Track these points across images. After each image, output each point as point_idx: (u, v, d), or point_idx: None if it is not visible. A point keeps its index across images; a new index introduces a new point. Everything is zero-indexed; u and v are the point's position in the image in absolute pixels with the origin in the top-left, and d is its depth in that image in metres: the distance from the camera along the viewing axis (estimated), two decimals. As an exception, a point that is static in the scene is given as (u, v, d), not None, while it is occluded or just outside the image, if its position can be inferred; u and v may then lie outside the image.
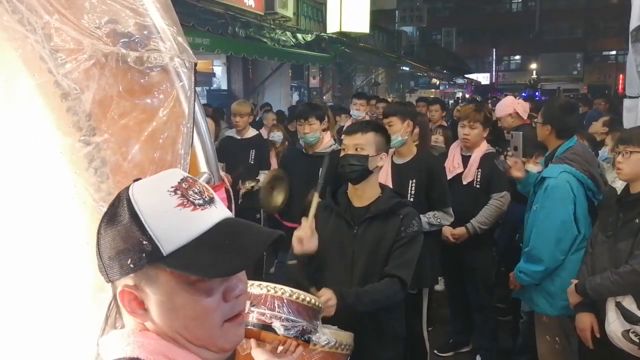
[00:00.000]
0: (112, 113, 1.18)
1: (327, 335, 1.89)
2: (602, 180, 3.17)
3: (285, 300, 1.75)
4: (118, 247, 0.83)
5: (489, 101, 14.49)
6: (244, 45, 9.57)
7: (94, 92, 1.17)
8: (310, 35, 12.54)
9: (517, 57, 44.42)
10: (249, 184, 4.83)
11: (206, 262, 0.82)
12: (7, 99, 1.18)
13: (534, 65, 40.68)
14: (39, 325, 1.19)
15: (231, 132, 5.45)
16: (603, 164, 3.96)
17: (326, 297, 2.11)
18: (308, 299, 1.84)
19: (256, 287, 1.70)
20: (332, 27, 14.18)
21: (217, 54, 11.29)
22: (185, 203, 0.84)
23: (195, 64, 1.26)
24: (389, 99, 10.31)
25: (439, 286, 4.94)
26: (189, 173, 1.20)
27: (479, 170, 3.80)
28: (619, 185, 2.90)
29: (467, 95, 30.35)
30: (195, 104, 1.24)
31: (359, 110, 6.23)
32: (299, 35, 11.96)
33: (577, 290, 2.72)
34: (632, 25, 3.55)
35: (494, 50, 40.45)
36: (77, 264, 1.18)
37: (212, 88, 14.25)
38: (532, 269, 3.03)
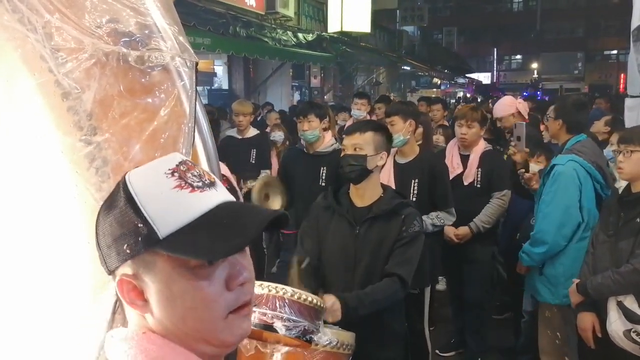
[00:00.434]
0: (113, 112, 1.18)
1: (328, 335, 1.89)
2: (611, 177, 3.22)
3: (287, 300, 1.75)
4: (114, 233, 0.80)
5: (490, 100, 14.48)
6: (245, 45, 9.57)
7: (95, 91, 1.17)
8: (311, 35, 12.53)
9: (518, 56, 44.45)
10: (250, 184, 4.83)
11: (204, 243, 0.78)
12: (7, 98, 1.18)
13: (535, 65, 40.68)
14: (39, 325, 1.18)
15: (232, 132, 5.46)
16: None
17: (330, 302, 2.11)
18: (310, 298, 1.84)
19: (258, 287, 1.70)
20: (333, 26, 14.17)
21: (218, 54, 11.30)
22: (182, 185, 0.80)
23: (197, 64, 1.26)
24: (391, 97, 10.28)
25: (441, 286, 4.95)
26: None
27: (479, 169, 3.82)
28: (622, 185, 2.90)
29: (468, 95, 30.35)
30: (197, 103, 1.24)
31: (360, 110, 6.22)
32: (300, 35, 11.96)
33: (579, 289, 2.72)
34: (634, 24, 3.55)
35: (495, 49, 40.48)
36: (77, 264, 1.18)
37: (213, 88, 14.27)
38: (534, 250, 3.12)
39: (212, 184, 0.84)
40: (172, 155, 0.86)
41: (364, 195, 2.52)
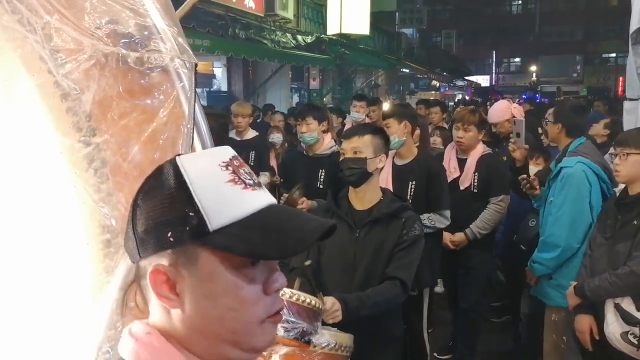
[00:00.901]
0: (112, 114, 1.18)
1: (326, 337, 1.89)
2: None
3: (285, 302, 1.76)
4: (157, 218, 0.75)
5: (487, 103, 14.48)
6: (244, 47, 9.59)
7: (94, 92, 1.17)
8: (310, 37, 12.56)
9: (517, 59, 44.48)
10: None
11: (257, 241, 0.74)
12: (6, 99, 1.18)
13: (534, 68, 40.71)
14: (38, 327, 1.19)
15: (231, 134, 5.45)
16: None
17: (331, 303, 2.11)
18: (308, 300, 1.84)
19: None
20: (332, 28, 14.18)
21: (217, 56, 11.28)
22: (236, 180, 0.77)
23: (196, 65, 1.27)
24: (385, 101, 10.28)
25: (439, 288, 4.94)
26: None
27: (476, 174, 3.74)
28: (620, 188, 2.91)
29: (467, 98, 30.36)
30: (196, 105, 1.25)
31: (358, 112, 6.22)
32: (299, 37, 11.99)
33: (576, 292, 2.73)
34: (632, 27, 3.55)
35: (494, 52, 40.49)
36: (76, 265, 1.18)
37: (212, 89, 14.24)
38: (546, 256, 3.07)
39: (260, 185, 0.81)
40: (224, 148, 0.83)
41: (363, 198, 2.53)
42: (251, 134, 5.28)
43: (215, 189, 0.75)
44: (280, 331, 1.71)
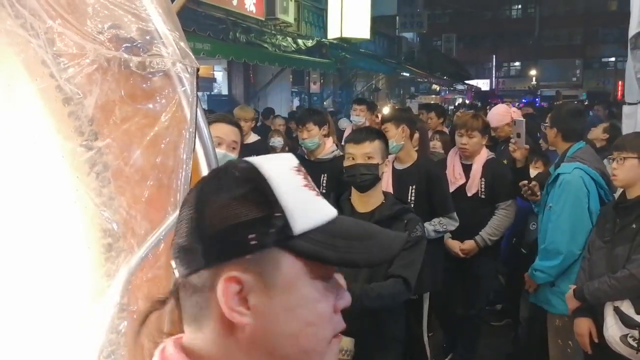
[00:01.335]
0: (114, 118, 1.19)
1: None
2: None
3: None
4: (237, 217, 0.65)
5: (487, 107, 14.48)
6: (244, 51, 9.60)
7: (97, 96, 1.18)
8: (311, 41, 12.58)
9: (517, 63, 44.54)
10: None
11: (344, 249, 0.67)
12: (8, 103, 1.19)
13: (533, 72, 40.79)
14: (39, 330, 1.19)
15: (232, 137, 5.45)
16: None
17: None
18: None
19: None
20: (332, 32, 14.21)
21: (218, 59, 11.31)
22: (309, 185, 0.71)
23: (198, 69, 1.27)
24: (386, 105, 10.26)
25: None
26: (191, 178, 1.21)
27: (483, 179, 3.68)
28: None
29: (467, 101, 30.38)
30: (197, 109, 1.25)
31: (359, 116, 6.21)
32: (300, 41, 12.01)
33: (576, 295, 2.73)
34: (631, 31, 3.56)
35: (494, 56, 40.50)
36: (77, 269, 1.19)
37: (212, 93, 14.27)
38: (548, 264, 3.04)
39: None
40: (288, 154, 0.76)
41: (368, 201, 2.55)
42: (253, 137, 5.29)
43: (295, 192, 0.68)
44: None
